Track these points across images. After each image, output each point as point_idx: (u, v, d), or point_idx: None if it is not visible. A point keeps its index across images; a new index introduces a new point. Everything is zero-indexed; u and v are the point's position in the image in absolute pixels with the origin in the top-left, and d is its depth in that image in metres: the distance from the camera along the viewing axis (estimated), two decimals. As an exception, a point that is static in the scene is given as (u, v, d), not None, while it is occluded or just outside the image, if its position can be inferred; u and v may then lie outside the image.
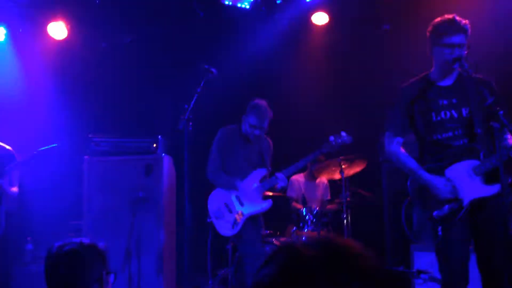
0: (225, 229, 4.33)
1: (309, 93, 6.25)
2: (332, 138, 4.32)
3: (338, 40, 6.22)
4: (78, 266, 1.91)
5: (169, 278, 4.80)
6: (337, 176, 5.33)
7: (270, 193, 5.67)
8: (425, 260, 4.16)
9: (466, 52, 3.09)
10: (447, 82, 3.22)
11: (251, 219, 4.34)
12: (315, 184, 6.08)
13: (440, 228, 3.01)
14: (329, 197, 6.09)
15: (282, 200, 6.23)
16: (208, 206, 4.41)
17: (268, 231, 5.10)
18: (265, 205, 4.36)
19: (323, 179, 5.97)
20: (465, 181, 3.04)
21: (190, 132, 3.42)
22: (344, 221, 5.04)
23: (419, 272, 4.03)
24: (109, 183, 4.80)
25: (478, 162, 3.03)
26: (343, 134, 4.34)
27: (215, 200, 4.42)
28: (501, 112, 2.84)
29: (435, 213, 3.03)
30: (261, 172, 4.41)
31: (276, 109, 4.47)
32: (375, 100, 5.14)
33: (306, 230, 5.21)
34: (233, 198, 4.36)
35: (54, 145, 4.14)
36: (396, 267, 4.47)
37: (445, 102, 3.17)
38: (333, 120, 5.57)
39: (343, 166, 5.13)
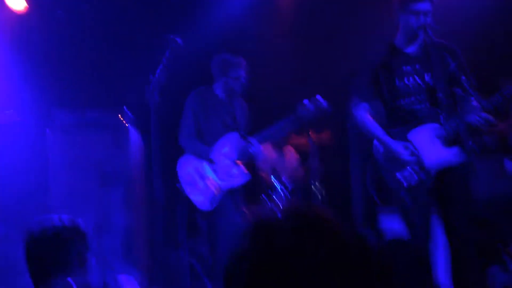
0: (197, 194, 4.06)
1: (279, 62, 6.20)
2: (306, 101, 4.04)
3: (309, 8, 6.17)
4: (60, 248, 1.87)
5: (139, 253, 4.79)
6: (304, 143, 5.36)
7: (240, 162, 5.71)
8: (391, 222, 4.27)
9: (431, 19, 3.13)
10: (412, 48, 3.27)
11: (230, 194, 4.11)
12: (283, 153, 6.11)
13: (403, 191, 3.11)
14: (298, 165, 6.14)
15: (251, 169, 6.25)
16: (178, 171, 4.13)
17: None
18: (243, 178, 4.16)
19: (291, 147, 6.00)
20: (427, 144, 3.13)
21: (156, 103, 3.35)
22: (312, 188, 5.10)
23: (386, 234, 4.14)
24: (74, 157, 4.71)
25: (439, 125, 3.11)
26: (319, 97, 4.07)
27: (186, 165, 4.15)
28: (463, 77, 2.90)
29: (398, 173, 3.12)
30: (233, 136, 4.16)
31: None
32: (346, 67, 5.14)
33: (274, 197, 5.25)
34: (204, 164, 4.10)
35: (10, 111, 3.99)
36: (363, 229, 4.58)
37: (408, 68, 3.23)
38: (304, 87, 5.56)
39: (310, 133, 5.15)
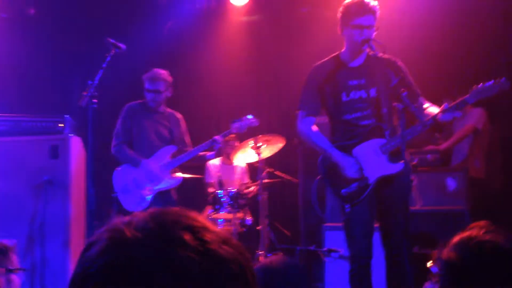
0: (132, 204, 4.21)
1: (225, 73, 6.16)
2: (235, 123, 4.37)
3: (257, 21, 6.18)
4: None
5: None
6: (253, 158, 5.30)
7: (188, 175, 5.60)
8: (335, 239, 4.25)
9: (374, 33, 3.15)
10: (357, 62, 3.29)
11: (161, 196, 4.24)
12: (232, 167, 6.04)
13: (347, 205, 3.09)
14: (247, 180, 6.07)
15: (200, 183, 6.14)
16: (113, 181, 4.28)
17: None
18: (174, 181, 4.29)
19: (241, 162, 5.94)
20: (372, 159, 3.13)
21: (95, 110, 3.22)
22: (260, 203, 5.03)
23: (330, 250, 4.12)
24: (10, 166, 4.46)
25: (385, 141, 3.12)
26: (249, 117, 4.41)
27: (123, 175, 4.28)
28: (405, 93, 2.92)
29: (343, 190, 3.10)
30: (170, 149, 4.33)
31: (190, 87, 4.36)
32: (294, 81, 5.16)
33: (222, 212, 5.16)
34: (142, 174, 4.24)
35: None
36: (309, 246, 4.54)
37: (354, 82, 3.23)
38: (250, 100, 5.54)
39: (259, 148, 5.10)
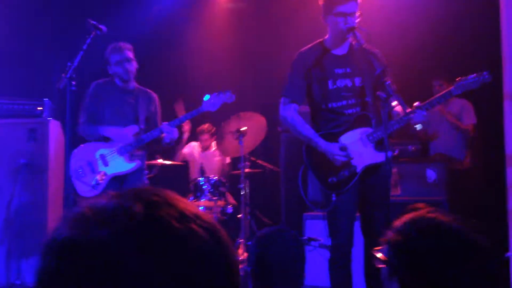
0: (85, 189, 3.87)
1: (209, 59, 6.11)
2: (207, 101, 4.00)
3: (241, 7, 6.12)
4: None
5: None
6: (235, 149, 5.25)
7: (168, 162, 5.56)
8: (316, 228, 4.26)
9: (358, 20, 3.14)
10: (341, 51, 3.26)
11: (116, 181, 3.91)
12: (212, 154, 6.02)
13: (334, 194, 3.08)
14: (228, 168, 6.06)
15: (181, 170, 6.11)
16: (70, 164, 3.84)
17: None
18: (132, 165, 3.91)
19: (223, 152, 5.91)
20: (359, 148, 3.13)
21: (73, 92, 3.14)
22: (241, 190, 5.02)
23: (310, 239, 4.13)
24: (-13, 150, 4.38)
25: (371, 130, 3.12)
26: (217, 93, 4.04)
27: (78, 158, 3.92)
28: (388, 82, 2.91)
29: (330, 179, 3.09)
30: (132, 129, 3.94)
31: (173, 72, 4.29)
32: (278, 68, 5.13)
33: (203, 199, 5.14)
34: (98, 156, 3.91)
35: None
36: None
37: (340, 71, 3.21)
38: (234, 86, 5.49)
39: (243, 135, 5.06)
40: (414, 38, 5.45)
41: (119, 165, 3.91)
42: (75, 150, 3.93)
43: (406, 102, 3.08)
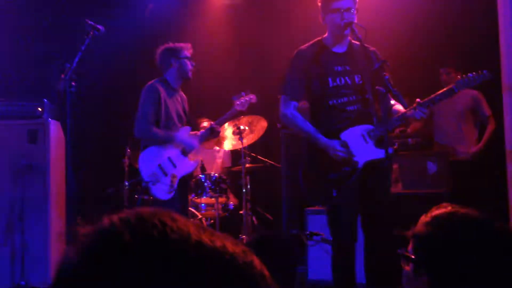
0: (162, 193, 3.97)
1: (207, 57, 6.10)
2: (235, 97, 4.28)
3: (239, 4, 6.11)
4: None
5: (58, 251, 4.52)
6: (236, 143, 5.28)
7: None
8: (318, 223, 4.28)
9: (355, 16, 3.14)
10: (341, 48, 3.28)
11: (182, 182, 4.11)
12: (214, 151, 6.02)
13: (335, 190, 3.09)
14: (229, 164, 6.07)
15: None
16: (141, 169, 3.98)
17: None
18: (195, 164, 4.24)
19: (224, 146, 5.93)
20: (360, 145, 3.14)
21: (73, 93, 3.15)
22: (242, 187, 5.03)
23: (312, 234, 4.15)
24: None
25: (372, 127, 3.13)
26: (243, 94, 4.30)
27: (148, 162, 4.01)
28: (387, 77, 2.92)
29: (331, 175, 3.10)
30: (187, 130, 4.18)
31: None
32: (277, 66, 5.13)
33: (204, 197, 5.15)
34: (166, 159, 4.05)
35: None
36: (291, 229, 4.56)
37: (340, 68, 3.23)
38: (232, 83, 5.50)
39: (241, 133, 5.08)
40: (421, 29, 5.45)
41: (185, 165, 4.12)
42: (143, 154, 4.03)
43: (411, 93, 3.10)
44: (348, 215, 3.12)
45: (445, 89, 3.12)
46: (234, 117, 4.55)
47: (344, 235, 3.13)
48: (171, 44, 4.16)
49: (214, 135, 4.31)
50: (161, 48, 4.17)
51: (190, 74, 4.14)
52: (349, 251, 3.12)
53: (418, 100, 3.06)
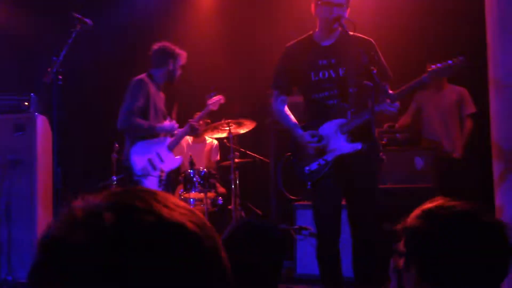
0: (154, 187, 4.04)
1: (196, 53, 6.07)
2: (208, 96, 4.48)
3: (229, 1, 6.09)
4: None
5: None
6: (225, 136, 5.28)
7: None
8: (306, 217, 4.29)
9: (346, 11, 3.14)
10: (329, 42, 3.28)
11: (168, 177, 4.22)
12: (203, 145, 6.00)
13: (309, 183, 3.13)
14: (218, 158, 6.05)
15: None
16: (132, 163, 4.02)
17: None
18: (179, 160, 4.35)
19: (212, 140, 5.91)
20: (333, 139, 3.16)
21: (60, 87, 3.12)
22: (231, 182, 5.03)
23: (301, 228, 4.16)
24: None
25: (345, 121, 3.14)
26: (212, 94, 4.49)
27: (140, 157, 4.07)
28: (374, 71, 2.92)
29: (305, 168, 3.13)
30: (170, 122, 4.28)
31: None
32: (267, 61, 5.12)
33: (193, 191, 5.14)
34: (154, 154, 4.12)
35: None
36: (280, 224, 4.57)
37: (324, 62, 3.24)
38: (223, 79, 5.48)
39: (231, 127, 5.08)
40: (411, 24, 5.47)
41: (171, 160, 4.23)
42: (134, 148, 4.05)
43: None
44: (326, 208, 3.14)
45: (414, 80, 3.06)
46: (208, 115, 4.77)
47: (324, 228, 3.15)
48: (173, 46, 4.24)
49: (193, 132, 4.47)
50: (162, 44, 4.22)
51: (173, 81, 4.28)
52: (330, 243, 3.12)
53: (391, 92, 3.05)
